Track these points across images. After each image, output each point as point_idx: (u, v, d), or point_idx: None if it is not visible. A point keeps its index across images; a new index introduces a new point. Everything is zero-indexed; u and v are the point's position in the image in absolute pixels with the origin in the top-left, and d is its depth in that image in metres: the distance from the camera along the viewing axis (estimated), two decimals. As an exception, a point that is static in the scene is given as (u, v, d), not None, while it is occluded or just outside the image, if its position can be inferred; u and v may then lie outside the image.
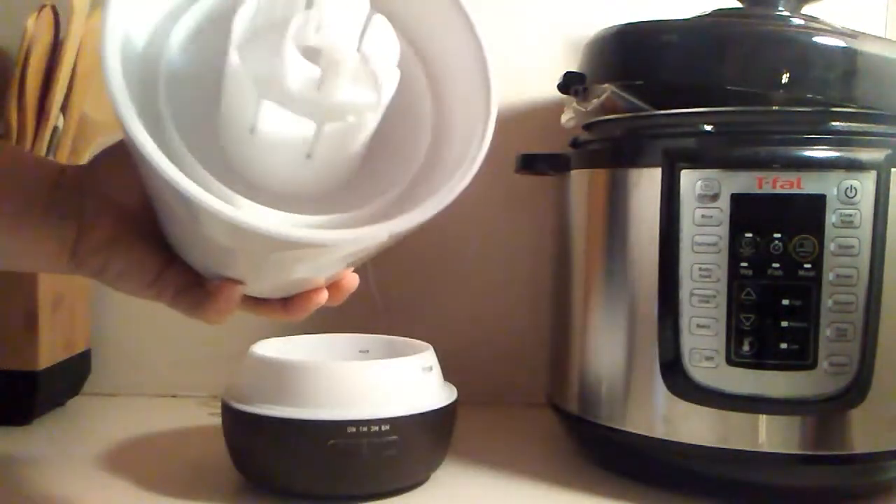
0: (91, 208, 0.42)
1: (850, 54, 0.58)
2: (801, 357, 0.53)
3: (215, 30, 0.41)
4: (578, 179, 0.64)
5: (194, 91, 0.40)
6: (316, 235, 0.38)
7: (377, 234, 0.39)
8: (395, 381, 0.56)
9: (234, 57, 0.37)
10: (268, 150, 0.38)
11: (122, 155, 0.43)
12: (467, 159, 0.40)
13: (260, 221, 0.36)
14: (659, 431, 0.57)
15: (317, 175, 0.40)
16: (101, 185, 0.43)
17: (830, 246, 0.53)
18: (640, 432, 0.58)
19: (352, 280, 0.47)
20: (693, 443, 0.56)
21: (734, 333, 0.54)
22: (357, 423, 0.53)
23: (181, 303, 0.44)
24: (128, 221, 0.42)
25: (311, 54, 0.39)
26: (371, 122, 0.39)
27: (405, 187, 0.43)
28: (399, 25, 0.42)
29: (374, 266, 0.78)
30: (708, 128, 0.56)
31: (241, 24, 0.37)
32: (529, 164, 0.68)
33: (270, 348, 0.60)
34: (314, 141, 0.38)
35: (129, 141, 0.35)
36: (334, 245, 0.40)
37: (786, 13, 0.64)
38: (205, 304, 0.43)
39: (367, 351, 0.66)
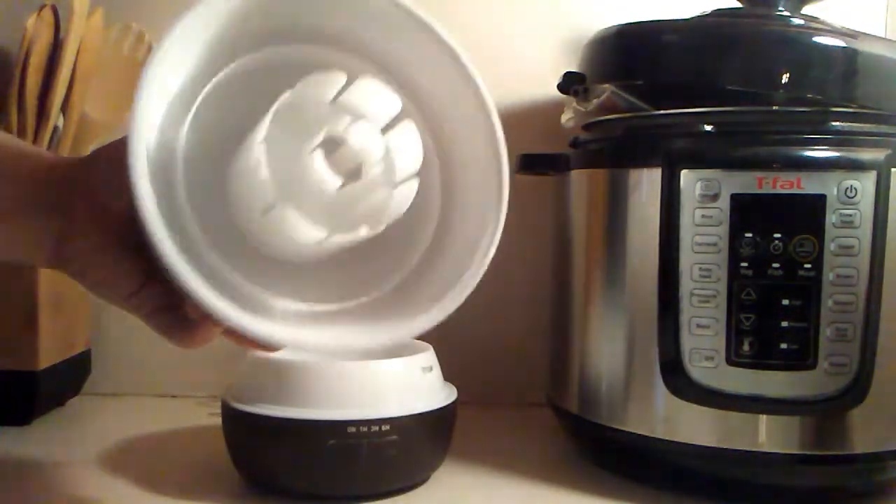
0: (79, 209, 0.41)
1: (850, 54, 0.58)
2: (801, 357, 0.53)
3: (228, 95, 0.41)
4: (578, 179, 0.64)
5: (207, 156, 0.41)
6: (317, 343, 0.40)
7: (374, 343, 0.40)
8: (395, 381, 0.56)
9: (258, 149, 0.37)
10: (277, 235, 0.38)
11: (118, 157, 0.42)
12: (473, 264, 0.41)
13: (276, 333, 0.38)
14: (659, 431, 0.57)
15: (325, 252, 0.40)
16: (93, 185, 0.42)
17: (830, 246, 0.53)
18: (640, 432, 0.58)
19: None
20: (693, 443, 0.55)
21: (734, 333, 0.54)
22: (357, 423, 0.53)
23: (156, 322, 0.43)
24: (115, 230, 0.41)
25: (336, 141, 0.39)
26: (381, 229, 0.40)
27: (414, 264, 0.44)
28: (416, 101, 0.42)
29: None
30: (708, 128, 0.56)
31: (274, 115, 0.37)
32: (529, 164, 0.68)
33: (270, 348, 0.60)
34: (323, 240, 0.38)
35: (161, 259, 0.35)
36: (333, 350, 0.41)
37: (786, 13, 0.64)
38: (180, 330, 0.42)
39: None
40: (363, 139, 0.39)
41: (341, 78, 0.38)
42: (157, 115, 0.38)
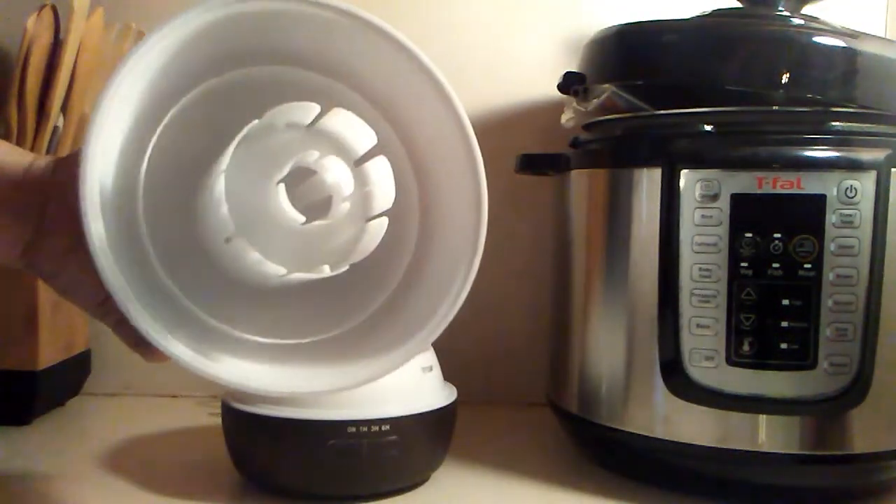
0: (52, 212, 0.41)
1: (850, 54, 0.58)
2: (801, 357, 0.53)
3: (196, 117, 0.40)
4: (578, 179, 0.64)
5: (176, 174, 0.40)
6: (268, 386, 0.39)
7: (341, 387, 0.40)
8: (395, 381, 0.56)
9: (220, 180, 0.36)
10: (239, 265, 0.38)
11: None
12: (443, 306, 0.41)
13: (248, 382, 0.38)
14: (659, 431, 0.57)
15: (290, 282, 0.40)
16: (65, 187, 0.40)
17: (830, 246, 0.53)
18: (640, 432, 0.58)
19: None
20: (693, 443, 0.55)
21: (734, 333, 0.54)
22: (357, 423, 0.53)
23: (124, 332, 0.42)
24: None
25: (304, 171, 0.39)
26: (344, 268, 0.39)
27: (387, 297, 0.43)
28: (398, 127, 0.41)
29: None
30: (708, 128, 0.56)
31: (242, 142, 0.36)
32: (529, 164, 0.68)
33: (270, 348, 0.60)
34: (283, 276, 0.38)
35: (122, 308, 0.36)
36: (284, 394, 0.41)
37: (786, 13, 0.64)
38: (146, 342, 0.41)
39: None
40: (333, 174, 0.38)
41: (314, 108, 0.38)
42: (118, 133, 0.38)
